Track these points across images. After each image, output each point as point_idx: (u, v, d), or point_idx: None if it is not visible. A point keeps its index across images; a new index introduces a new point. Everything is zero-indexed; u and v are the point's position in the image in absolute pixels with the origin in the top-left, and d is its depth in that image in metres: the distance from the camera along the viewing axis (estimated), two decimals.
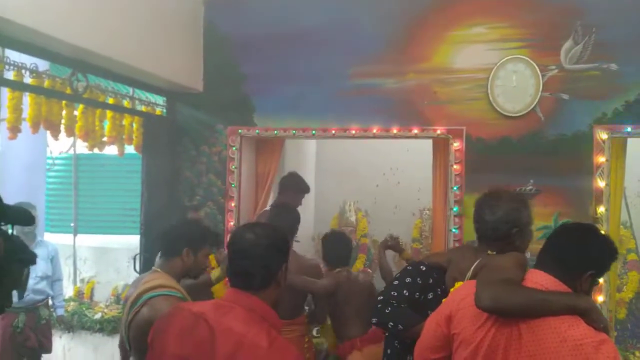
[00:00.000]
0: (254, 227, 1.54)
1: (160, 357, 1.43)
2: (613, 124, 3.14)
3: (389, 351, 2.28)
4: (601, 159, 3.13)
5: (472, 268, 1.79)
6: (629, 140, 3.26)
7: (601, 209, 3.12)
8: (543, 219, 3.22)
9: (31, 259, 0.93)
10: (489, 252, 1.88)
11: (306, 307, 3.12)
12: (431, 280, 2.09)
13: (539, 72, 3.22)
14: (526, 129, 3.26)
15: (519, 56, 3.26)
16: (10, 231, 0.89)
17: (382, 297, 2.15)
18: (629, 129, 3.11)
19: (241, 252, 1.46)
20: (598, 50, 3.16)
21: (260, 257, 1.45)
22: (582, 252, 1.47)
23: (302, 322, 2.88)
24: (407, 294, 2.08)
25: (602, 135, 3.13)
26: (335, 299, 2.76)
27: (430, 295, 2.07)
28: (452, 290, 1.90)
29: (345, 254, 2.93)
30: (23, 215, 0.91)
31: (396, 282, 2.16)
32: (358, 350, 2.73)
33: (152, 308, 1.85)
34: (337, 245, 2.92)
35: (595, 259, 1.48)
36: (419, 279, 2.10)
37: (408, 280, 2.13)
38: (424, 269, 2.13)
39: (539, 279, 1.45)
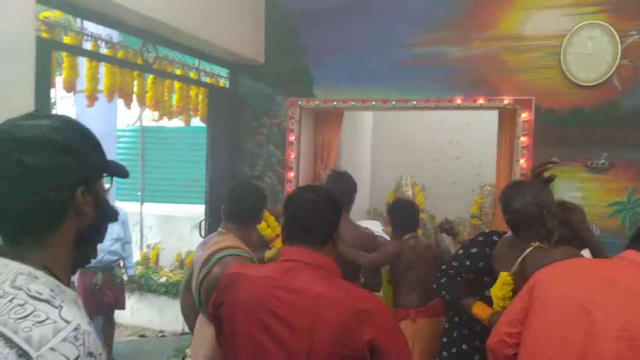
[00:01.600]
0: (311, 188, 1.58)
1: (232, 330, 1.45)
2: None
3: (446, 325, 2.29)
4: None
5: (519, 261, 1.89)
6: None
7: None
8: (615, 194, 3.07)
9: (115, 215, 0.99)
10: (533, 243, 1.92)
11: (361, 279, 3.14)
12: None
13: (617, 38, 3.01)
14: (601, 99, 3.07)
15: (595, 21, 3.06)
16: (108, 185, 0.96)
17: (444, 267, 2.18)
18: None
19: (304, 208, 1.48)
20: None
21: (323, 212, 1.48)
22: None
23: None
24: (468, 263, 2.13)
25: None
26: (398, 265, 2.74)
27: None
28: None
29: (413, 220, 2.88)
30: (122, 170, 0.97)
31: (461, 252, 2.19)
32: (411, 320, 2.68)
33: (223, 267, 1.88)
34: (405, 212, 2.87)
35: None
36: (487, 249, 2.09)
37: (474, 250, 2.13)
38: (496, 239, 2.11)
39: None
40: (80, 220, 0.87)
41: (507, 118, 3.33)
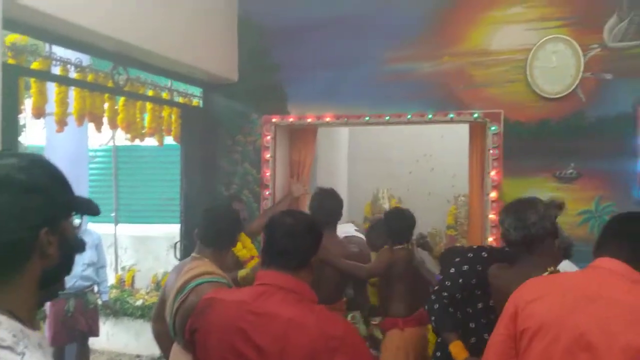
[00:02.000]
0: (292, 213, 1.62)
1: (204, 355, 1.46)
2: None
3: (439, 339, 2.32)
4: None
5: None
6: None
7: None
8: (584, 203, 3.16)
9: (83, 246, 0.98)
10: (549, 268, 1.78)
11: (350, 291, 3.15)
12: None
13: (580, 51, 3.12)
14: (566, 110, 3.17)
15: (559, 36, 3.17)
16: (78, 221, 0.94)
17: (436, 287, 2.22)
18: None
19: (281, 232, 1.50)
20: None
21: (300, 238, 1.50)
22: None
23: (342, 308, 2.90)
24: (461, 281, 2.15)
25: None
26: (388, 275, 2.77)
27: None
28: None
29: (406, 231, 2.92)
30: (92, 207, 0.96)
31: (452, 270, 2.21)
32: (399, 330, 2.73)
33: (199, 295, 1.81)
34: (399, 222, 2.92)
35: None
36: (478, 265, 2.12)
37: (465, 268, 2.17)
38: (485, 255, 2.14)
39: (614, 266, 1.39)
40: (45, 260, 0.85)
41: (477, 131, 3.40)
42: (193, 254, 2.15)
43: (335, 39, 3.58)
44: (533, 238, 1.90)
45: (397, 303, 2.78)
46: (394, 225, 2.91)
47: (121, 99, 3.11)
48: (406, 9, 3.44)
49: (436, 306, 2.16)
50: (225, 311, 1.44)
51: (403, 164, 5.23)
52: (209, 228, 2.12)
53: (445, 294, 2.15)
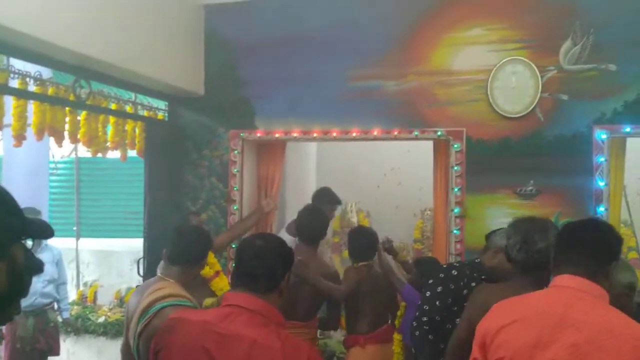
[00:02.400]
0: (263, 235, 1.61)
1: None
2: (612, 124, 3.16)
3: None
4: (600, 159, 3.15)
5: None
6: (628, 139, 3.29)
7: (601, 208, 3.14)
8: None
9: (40, 267, 0.95)
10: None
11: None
12: (462, 283, 2.24)
13: (538, 73, 3.24)
14: (526, 129, 3.28)
15: (518, 57, 3.28)
16: (30, 243, 0.92)
17: (417, 313, 2.30)
18: (628, 129, 3.13)
19: (250, 254, 1.50)
20: (596, 50, 3.18)
21: (268, 260, 1.49)
22: (607, 242, 1.46)
23: (314, 326, 2.89)
24: (438, 303, 2.24)
25: (602, 135, 3.15)
26: (355, 294, 2.79)
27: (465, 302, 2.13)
28: None
29: (370, 248, 2.96)
30: (46, 230, 0.93)
31: (428, 294, 2.28)
32: (360, 347, 2.75)
33: (162, 319, 1.79)
34: (361, 240, 2.98)
35: (617, 246, 1.47)
36: (451, 284, 2.18)
37: (439, 289, 2.24)
38: (455, 273, 2.20)
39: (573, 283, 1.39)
40: None
41: (441, 148, 3.47)
42: (159, 274, 2.11)
43: (302, 56, 3.61)
44: (535, 263, 1.83)
45: (359, 321, 2.81)
46: (356, 243, 2.95)
47: (83, 113, 3.05)
48: (372, 28, 3.51)
49: (417, 333, 2.23)
50: (190, 331, 1.42)
51: (371, 178, 5.29)
52: (178, 246, 2.08)
53: (425, 318, 2.22)
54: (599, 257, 1.44)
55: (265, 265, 1.48)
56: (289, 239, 3.51)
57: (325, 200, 3.81)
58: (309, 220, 2.90)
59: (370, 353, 2.75)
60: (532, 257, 1.82)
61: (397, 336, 2.83)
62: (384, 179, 5.27)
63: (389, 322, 2.98)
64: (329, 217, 3.62)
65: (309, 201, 5.36)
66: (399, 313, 2.93)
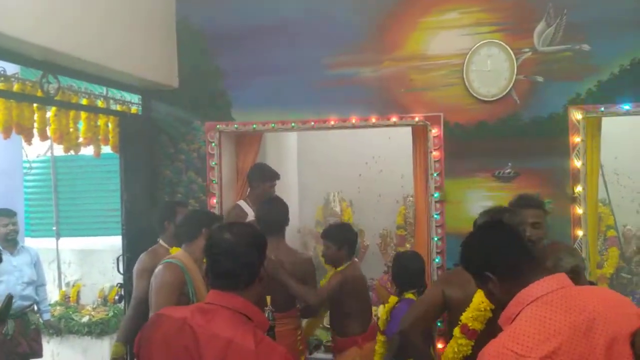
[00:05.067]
0: (230, 227, 1.55)
1: None
2: (587, 104, 3.17)
3: None
4: (577, 139, 3.17)
5: None
6: (604, 119, 3.32)
7: (578, 188, 3.17)
8: None
9: None
10: None
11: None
12: None
13: (512, 55, 3.24)
14: (502, 112, 3.28)
15: (492, 40, 3.28)
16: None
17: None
18: (602, 109, 3.15)
19: (222, 252, 1.46)
20: (570, 31, 3.19)
21: (243, 256, 1.46)
22: None
23: (295, 315, 2.86)
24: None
25: (577, 115, 3.16)
26: (340, 296, 2.73)
27: None
28: None
29: (352, 246, 2.90)
30: None
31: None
32: (358, 348, 2.74)
33: (154, 276, 2.36)
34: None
35: None
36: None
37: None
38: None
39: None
40: None
41: (419, 134, 3.46)
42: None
43: (277, 45, 3.56)
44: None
45: (352, 322, 2.76)
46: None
47: (52, 109, 2.97)
48: (346, 15, 3.47)
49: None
50: (170, 328, 1.42)
51: (353, 167, 5.27)
52: (180, 228, 2.61)
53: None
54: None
55: (241, 262, 1.45)
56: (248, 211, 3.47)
57: (260, 177, 3.66)
58: (267, 211, 2.84)
59: (368, 351, 2.74)
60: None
61: (380, 337, 2.74)
62: (365, 167, 5.25)
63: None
64: (272, 192, 3.55)
65: (291, 193, 5.37)
66: (383, 314, 2.78)
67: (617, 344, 1.23)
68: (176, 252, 2.53)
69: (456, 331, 1.94)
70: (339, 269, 2.82)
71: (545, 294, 1.30)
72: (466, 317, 1.90)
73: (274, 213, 2.82)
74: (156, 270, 2.39)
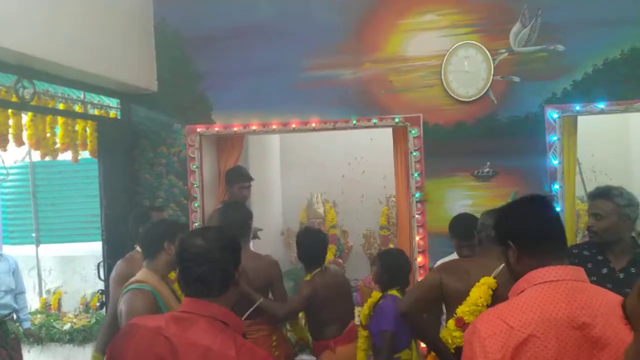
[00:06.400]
0: (202, 232, 1.50)
1: None
2: (563, 104, 3.24)
3: None
4: (553, 138, 3.23)
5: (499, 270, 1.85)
6: (580, 117, 3.38)
7: (556, 186, 3.22)
8: (501, 199, 3.29)
9: None
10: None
11: None
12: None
13: (489, 56, 3.29)
14: (480, 113, 3.33)
15: (469, 41, 3.32)
16: None
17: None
18: (577, 108, 3.21)
19: (195, 259, 1.41)
20: (545, 32, 3.25)
21: (217, 262, 1.41)
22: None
23: (268, 321, 2.77)
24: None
25: (553, 114, 3.22)
26: (313, 304, 2.69)
27: None
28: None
29: (320, 253, 2.81)
30: None
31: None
32: (331, 351, 2.71)
33: (125, 302, 2.14)
34: (311, 245, 2.81)
35: None
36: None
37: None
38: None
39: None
40: None
41: (399, 134, 3.49)
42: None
43: (256, 46, 3.56)
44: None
45: (326, 327, 2.73)
46: (303, 247, 2.81)
47: (28, 114, 2.92)
48: (325, 16, 3.49)
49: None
50: (143, 338, 1.37)
51: (336, 168, 5.28)
52: (142, 241, 2.33)
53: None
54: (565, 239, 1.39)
55: (213, 269, 1.40)
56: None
57: (234, 179, 3.63)
58: (229, 217, 2.77)
59: (341, 355, 2.70)
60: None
61: (362, 332, 2.72)
62: (348, 168, 5.26)
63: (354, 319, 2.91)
64: (242, 196, 3.50)
65: (275, 195, 5.36)
66: (366, 309, 2.75)
67: (609, 349, 1.23)
68: (139, 274, 2.25)
69: (450, 323, 1.95)
70: (307, 277, 2.79)
71: (556, 280, 1.29)
72: (462, 310, 1.90)
73: (236, 218, 2.76)
74: (125, 296, 2.15)
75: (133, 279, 2.20)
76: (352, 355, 2.73)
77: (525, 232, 1.37)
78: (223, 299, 1.41)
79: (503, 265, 1.84)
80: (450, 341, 1.93)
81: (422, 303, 2.12)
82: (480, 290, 1.83)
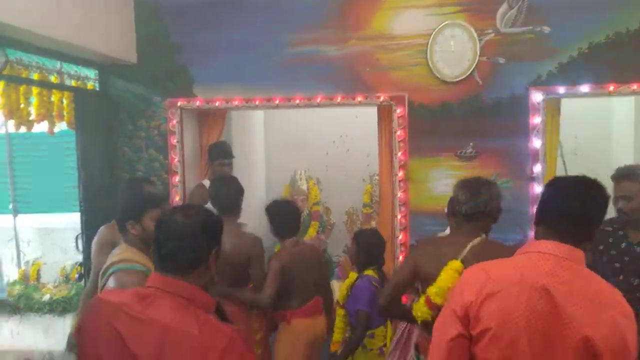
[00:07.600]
0: (184, 209, 1.48)
1: (84, 357, 1.38)
2: (547, 86, 3.23)
3: None
4: (537, 120, 3.23)
5: (468, 248, 1.94)
6: (563, 100, 3.38)
7: (537, 167, 3.24)
8: None
9: None
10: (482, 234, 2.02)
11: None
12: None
13: (476, 36, 3.25)
14: (465, 93, 3.31)
15: (456, 21, 3.27)
16: None
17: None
18: (562, 90, 3.21)
19: (168, 233, 1.40)
20: (532, 13, 3.22)
21: (188, 238, 1.39)
22: (599, 208, 1.45)
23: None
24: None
25: (537, 96, 3.22)
26: (282, 277, 2.66)
27: None
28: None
29: (291, 224, 2.79)
30: None
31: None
32: (286, 323, 2.69)
33: (116, 281, 1.96)
34: (283, 216, 2.78)
35: (606, 209, 1.48)
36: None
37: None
38: None
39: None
40: None
41: (384, 113, 3.46)
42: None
43: (240, 20, 3.47)
44: (480, 212, 2.02)
45: (288, 299, 2.70)
46: (276, 219, 2.77)
47: (0, 83, 2.82)
48: None
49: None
50: (104, 313, 1.36)
51: (320, 146, 5.25)
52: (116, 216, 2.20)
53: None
54: (588, 223, 1.43)
55: (184, 245, 1.38)
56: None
57: (214, 155, 3.58)
58: (216, 193, 2.74)
59: (296, 328, 2.68)
60: (478, 206, 2.02)
61: (340, 311, 2.74)
62: (332, 146, 5.24)
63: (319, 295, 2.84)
64: (222, 172, 3.41)
65: (258, 171, 5.32)
66: (344, 288, 2.75)
67: (574, 325, 1.29)
68: (122, 251, 2.13)
69: (422, 299, 2.00)
70: (276, 248, 2.79)
71: (544, 252, 1.40)
72: (430, 291, 1.95)
73: (226, 193, 2.72)
74: (114, 275, 2.00)
75: (117, 256, 2.06)
76: (308, 329, 2.70)
77: (545, 209, 1.49)
78: (191, 277, 1.39)
79: (475, 240, 1.97)
80: (419, 314, 1.99)
81: (399, 291, 2.17)
82: (448, 274, 1.91)
